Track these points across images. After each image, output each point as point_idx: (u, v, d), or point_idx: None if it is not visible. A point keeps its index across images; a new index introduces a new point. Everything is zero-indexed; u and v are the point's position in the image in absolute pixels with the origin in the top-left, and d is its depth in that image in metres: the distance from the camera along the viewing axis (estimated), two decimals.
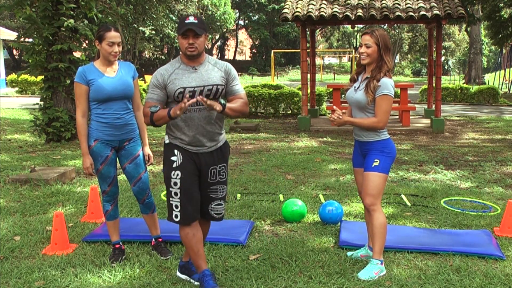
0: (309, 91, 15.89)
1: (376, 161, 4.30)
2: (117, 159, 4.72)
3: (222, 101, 3.80)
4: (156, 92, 3.89)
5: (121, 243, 4.82)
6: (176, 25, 40.34)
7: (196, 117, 3.88)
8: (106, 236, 5.06)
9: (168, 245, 5.00)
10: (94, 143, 4.53)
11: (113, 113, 4.53)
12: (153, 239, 4.92)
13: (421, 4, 13.53)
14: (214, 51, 65.85)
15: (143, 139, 4.84)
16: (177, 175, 3.91)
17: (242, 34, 65.08)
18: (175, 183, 3.92)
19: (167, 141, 4.02)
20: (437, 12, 13.09)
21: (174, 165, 3.93)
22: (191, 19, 3.79)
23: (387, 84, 4.21)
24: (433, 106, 14.65)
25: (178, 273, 4.34)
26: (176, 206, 3.94)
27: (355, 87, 4.42)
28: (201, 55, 3.92)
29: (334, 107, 4.48)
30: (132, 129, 4.68)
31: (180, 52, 3.99)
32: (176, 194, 3.93)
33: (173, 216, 3.96)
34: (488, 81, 35.97)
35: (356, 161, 4.60)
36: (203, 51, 3.93)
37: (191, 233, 3.97)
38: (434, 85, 14.88)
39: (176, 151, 3.94)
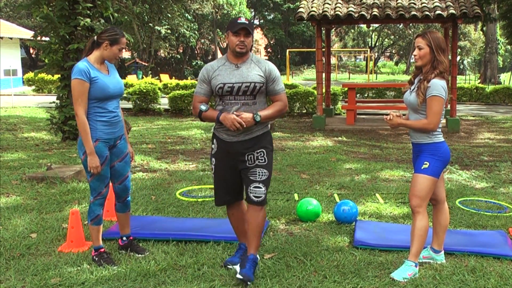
0: (324, 90, 15.86)
1: (426, 164, 4.30)
2: None
3: (258, 119, 4.12)
4: (203, 86, 4.28)
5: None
6: (192, 24, 40.40)
7: (231, 111, 4.19)
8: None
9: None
10: (96, 143, 4.43)
11: (112, 111, 4.52)
12: (124, 238, 4.88)
13: (437, 3, 13.45)
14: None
15: (126, 137, 4.84)
16: (213, 161, 4.41)
17: (257, 34, 65.02)
18: (212, 169, 4.45)
19: (212, 130, 4.45)
20: (453, 11, 13.02)
21: (212, 152, 4.41)
22: (243, 19, 4.15)
23: (437, 85, 4.21)
24: (449, 106, 14.55)
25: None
26: (214, 189, 4.49)
27: (410, 89, 4.44)
28: (246, 54, 4.22)
29: (389, 111, 4.52)
30: (122, 125, 4.70)
31: (228, 50, 4.28)
32: (213, 178, 4.49)
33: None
34: (504, 80, 35.70)
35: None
36: (249, 51, 4.23)
37: (230, 212, 4.56)
38: (449, 84, 14.78)
39: (215, 140, 4.38)
